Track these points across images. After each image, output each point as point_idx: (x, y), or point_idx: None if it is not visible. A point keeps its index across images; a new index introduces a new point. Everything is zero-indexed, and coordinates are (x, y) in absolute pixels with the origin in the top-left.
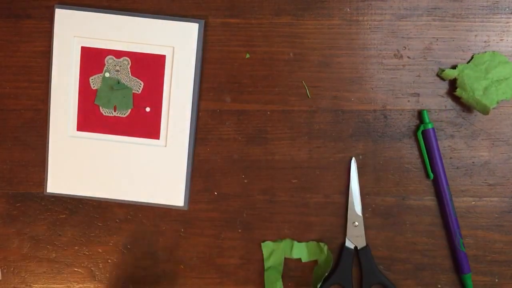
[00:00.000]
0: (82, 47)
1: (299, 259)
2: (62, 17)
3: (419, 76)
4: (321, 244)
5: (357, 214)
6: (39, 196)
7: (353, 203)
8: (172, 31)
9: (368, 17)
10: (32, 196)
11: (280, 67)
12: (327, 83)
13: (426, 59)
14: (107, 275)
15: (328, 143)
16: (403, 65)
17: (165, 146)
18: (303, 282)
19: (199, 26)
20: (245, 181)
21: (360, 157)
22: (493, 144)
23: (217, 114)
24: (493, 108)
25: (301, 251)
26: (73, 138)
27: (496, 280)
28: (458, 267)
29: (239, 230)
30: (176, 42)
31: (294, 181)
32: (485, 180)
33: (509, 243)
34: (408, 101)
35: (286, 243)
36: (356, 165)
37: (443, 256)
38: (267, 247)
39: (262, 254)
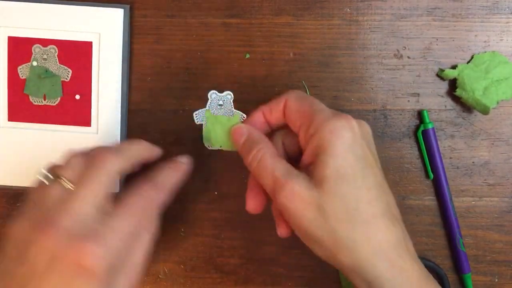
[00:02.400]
0: (8, 37)
1: None
2: None
3: (419, 76)
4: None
5: None
6: None
7: None
8: (98, 17)
9: (368, 17)
10: None
11: (280, 67)
12: (327, 83)
13: (426, 59)
14: None
15: None
16: (403, 65)
17: (97, 133)
18: (304, 282)
19: (124, 11)
20: (245, 181)
21: None
22: (493, 144)
23: None
24: (493, 108)
25: None
26: (4, 128)
27: (496, 280)
28: (458, 267)
29: (239, 230)
30: (102, 29)
31: None
32: (485, 180)
33: (509, 243)
34: (408, 101)
35: None
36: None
37: (443, 256)
38: None
39: (263, 253)
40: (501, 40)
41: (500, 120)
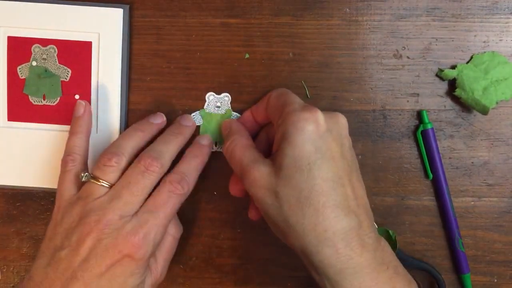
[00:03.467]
0: (8, 37)
1: None
2: None
3: (418, 76)
4: (391, 231)
5: None
6: (39, 196)
7: None
8: (97, 17)
9: (367, 17)
10: (32, 196)
11: (279, 67)
12: (326, 83)
13: (425, 59)
14: None
15: None
16: (403, 65)
17: (96, 132)
18: (304, 282)
19: (123, 11)
20: None
21: (360, 157)
22: (492, 144)
23: None
24: (493, 108)
25: None
26: (4, 128)
27: (495, 280)
28: (457, 267)
29: (239, 230)
30: (101, 28)
31: None
32: (484, 180)
33: (508, 243)
34: (408, 101)
35: None
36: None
37: (442, 256)
38: None
39: (263, 253)
40: (500, 40)
41: (500, 120)
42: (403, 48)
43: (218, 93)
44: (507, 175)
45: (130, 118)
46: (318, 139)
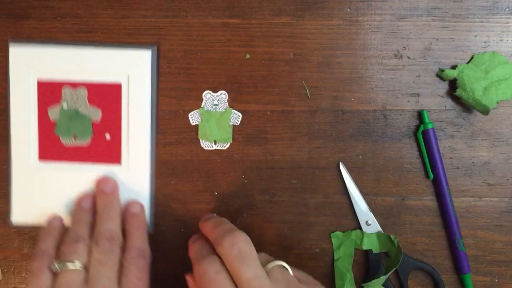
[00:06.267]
0: (38, 81)
1: (370, 250)
2: (17, 52)
3: (419, 76)
4: (392, 236)
5: (366, 213)
6: None
7: (357, 203)
8: (126, 59)
9: (368, 18)
10: None
11: (280, 67)
12: (327, 83)
13: (426, 59)
14: None
15: (328, 143)
16: (403, 65)
17: (128, 171)
18: None
19: (151, 52)
20: (245, 181)
21: (360, 157)
22: (493, 144)
23: None
24: (493, 108)
25: (372, 243)
26: (35, 168)
27: (496, 280)
28: (458, 267)
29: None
30: (131, 70)
31: (294, 181)
32: (485, 180)
33: (509, 243)
34: (408, 101)
35: (356, 233)
36: (345, 168)
37: (443, 256)
38: (336, 237)
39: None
40: (501, 40)
41: (500, 120)
42: (404, 48)
43: (216, 92)
44: (508, 175)
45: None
46: None
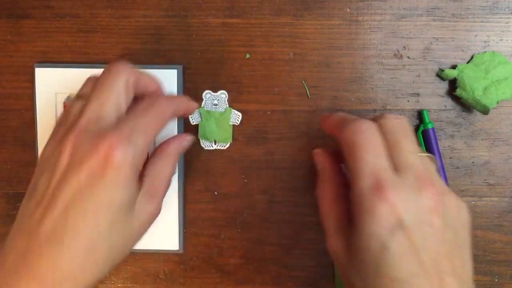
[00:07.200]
0: (64, 103)
1: None
2: (42, 75)
3: (419, 76)
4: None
5: None
6: None
7: None
8: None
9: (368, 17)
10: None
11: (280, 67)
12: (327, 83)
13: (426, 59)
14: (108, 274)
15: (328, 143)
16: (403, 65)
17: None
18: (304, 282)
19: (177, 71)
20: (245, 181)
21: None
22: (493, 144)
23: None
24: (493, 108)
25: None
26: None
27: (496, 280)
28: None
29: (239, 230)
30: None
31: (294, 181)
32: (485, 180)
33: (509, 243)
34: (408, 101)
35: None
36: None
37: None
38: None
39: (263, 253)
40: (501, 40)
41: (500, 120)
42: (404, 48)
43: (216, 92)
44: (508, 175)
45: None
46: (388, 234)
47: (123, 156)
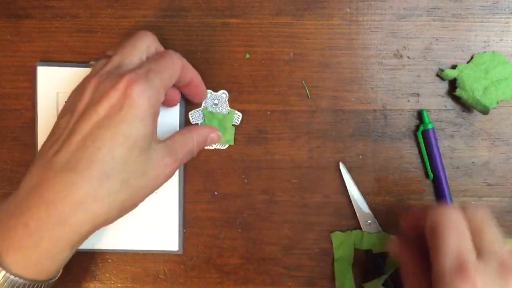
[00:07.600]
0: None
1: (370, 250)
2: (44, 74)
3: (419, 76)
4: (392, 236)
5: (366, 213)
6: None
7: (357, 203)
8: None
9: (368, 17)
10: None
11: (280, 67)
12: (327, 83)
13: (426, 59)
14: (107, 274)
15: (328, 143)
16: (403, 65)
17: (156, 193)
18: (304, 282)
19: None
20: (245, 181)
21: (360, 157)
22: (493, 144)
23: None
24: (493, 108)
25: (372, 243)
26: None
27: None
28: None
29: (239, 230)
30: None
31: (294, 181)
32: (485, 180)
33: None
34: (408, 101)
35: (356, 233)
36: (345, 168)
37: None
38: (336, 237)
39: (263, 253)
40: (501, 40)
41: (500, 120)
42: (404, 48)
43: (217, 91)
44: (508, 175)
45: None
46: None
47: (141, 90)
